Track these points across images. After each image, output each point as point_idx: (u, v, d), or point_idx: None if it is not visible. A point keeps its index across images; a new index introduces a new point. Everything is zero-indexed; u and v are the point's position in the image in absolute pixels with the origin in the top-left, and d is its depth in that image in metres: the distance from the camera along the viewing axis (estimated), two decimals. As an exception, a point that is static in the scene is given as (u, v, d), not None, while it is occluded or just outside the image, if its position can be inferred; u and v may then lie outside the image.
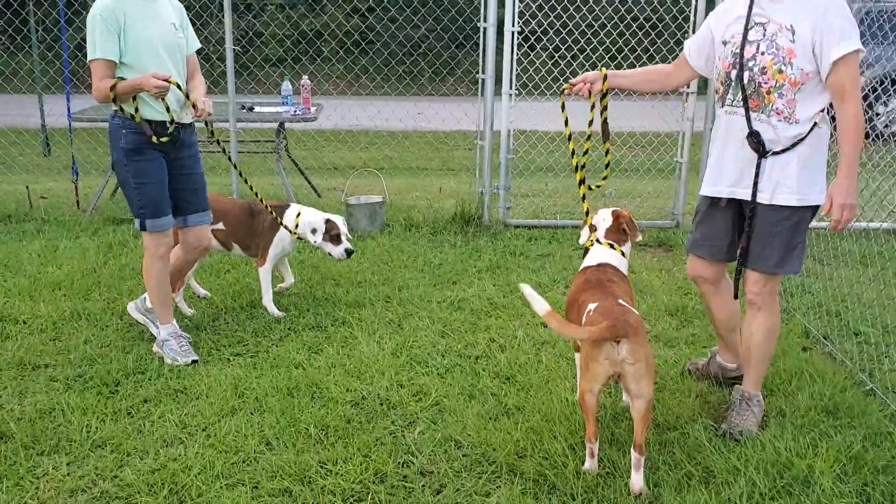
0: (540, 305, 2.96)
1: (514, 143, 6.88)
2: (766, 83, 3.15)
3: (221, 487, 3.01)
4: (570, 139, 3.57)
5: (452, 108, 8.62)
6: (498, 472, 3.13)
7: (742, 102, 3.20)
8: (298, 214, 4.75)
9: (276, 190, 7.69)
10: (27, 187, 7.35)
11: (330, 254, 4.74)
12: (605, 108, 3.50)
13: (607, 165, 3.54)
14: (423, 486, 3.06)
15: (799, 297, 5.06)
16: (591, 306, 3.09)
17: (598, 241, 3.54)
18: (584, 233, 3.62)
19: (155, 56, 3.83)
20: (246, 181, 4.67)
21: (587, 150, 3.49)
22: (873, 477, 3.04)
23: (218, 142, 4.45)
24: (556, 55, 7.13)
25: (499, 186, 6.83)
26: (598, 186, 3.57)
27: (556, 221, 6.93)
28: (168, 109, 3.88)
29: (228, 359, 4.17)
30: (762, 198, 3.24)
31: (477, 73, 6.65)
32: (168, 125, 3.92)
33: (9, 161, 8.51)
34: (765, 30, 3.18)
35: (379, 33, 10.06)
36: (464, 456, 3.27)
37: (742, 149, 3.24)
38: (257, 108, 7.52)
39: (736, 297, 3.55)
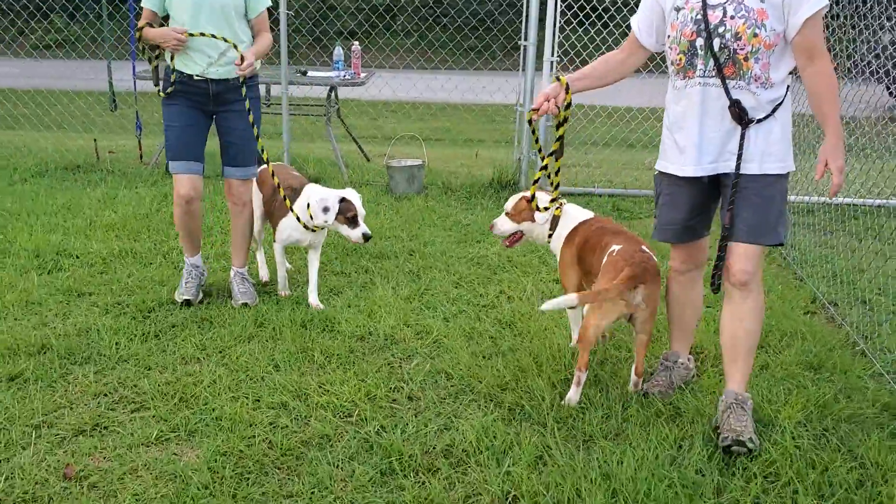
0: (567, 300, 3.22)
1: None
2: (741, 49, 2.91)
3: (226, 399, 3.33)
4: (543, 163, 3.44)
5: (500, 82, 8.79)
6: (478, 401, 3.36)
7: (716, 71, 2.95)
8: (308, 205, 4.23)
9: (327, 153, 8.02)
10: (95, 140, 7.88)
11: (346, 236, 4.22)
12: (565, 121, 3.21)
13: (556, 186, 3.50)
14: (408, 408, 3.31)
15: (815, 266, 5.10)
16: (615, 248, 3.35)
17: (564, 203, 3.74)
18: (540, 216, 3.72)
19: (191, 14, 4.06)
20: (262, 150, 4.39)
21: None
22: (835, 424, 3.15)
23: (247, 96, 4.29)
24: (599, 23, 7.21)
25: (536, 153, 6.99)
26: (550, 203, 3.64)
27: (592, 189, 7.06)
28: (173, 61, 4.12)
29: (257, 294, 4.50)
30: (750, 168, 2.99)
31: (519, 39, 6.82)
32: (195, 77, 4.14)
33: (80, 117, 9.10)
34: None
35: (432, 8, 10.24)
36: (451, 386, 3.51)
37: (721, 121, 3.00)
38: (310, 73, 7.83)
39: (717, 289, 3.14)
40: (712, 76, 2.97)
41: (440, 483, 2.77)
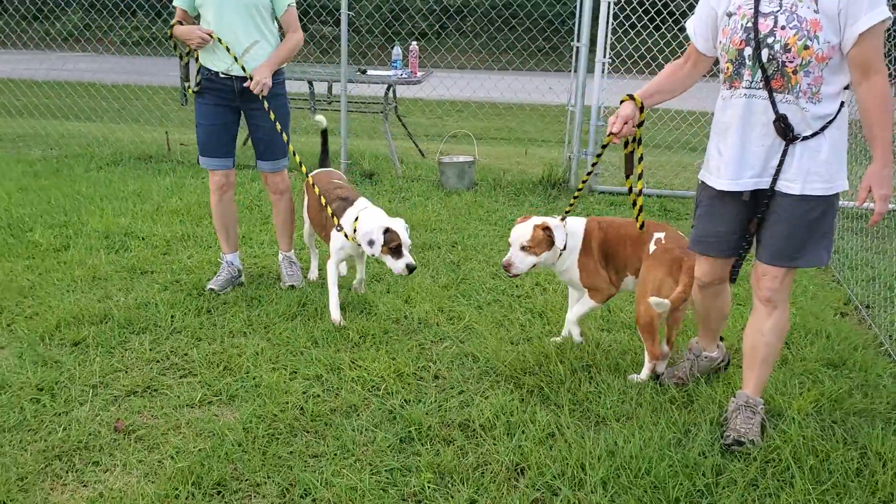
0: (666, 303, 3.28)
1: (605, 112, 7.14)
2: (790, 62, 2.73)
3: (266, 369, 3.59)
4: (632, 188, 3.29)
5: (553, 82, 8.93)
6: (500, 382, 3.54)
7: (763, 83, 2.79)
8: (356, 219, 4.09)
9: (382, 148, 8.29)
10: (167, 133, 8.32)
11: (390, 268, 4.01)
12: (636, 140, 3.16)
13: (639, 209, 3.40)
14: (433, 385, 3.52)
15: (856, 270, 5.11)
16: (659, 234, 3.51)
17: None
18: (560, 237, 3.61)
19: (216, 12, 4.15)
20: (294, 153, 4.31)
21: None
22: (844, 417, 3.23)
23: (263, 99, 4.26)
24: (651, 26, 7.28)
25: (587, 153, 7.13)
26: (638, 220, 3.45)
27: (643, 190, 7.13)
28: (197, 59, 4.26)
29: (305, 277, 4.77)
30: (792, 188, 2.84)
31: (572, 40, 6.96)
32: (220, 74, 4.25)
33: (156, 111, 9.61)
34: None
35: (487, 9, 10.45)
36: (476, 367, 3.70)
37: (766, 135, 2.83)
38: (370, 72, 8.12)
39: (733, 281, 3.22)
40: (759, 88, 2.82)
41: (453, 452, 2.97)
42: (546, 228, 3.59)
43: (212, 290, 4.48)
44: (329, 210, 4.21)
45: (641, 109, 3.06)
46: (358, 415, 3.25)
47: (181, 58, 4.51)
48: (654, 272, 3.44)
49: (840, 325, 4.20)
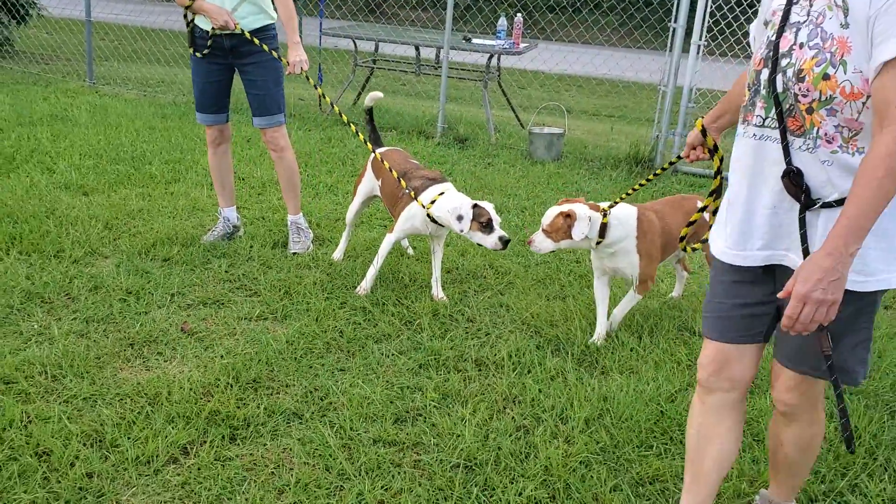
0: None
1: (696, 94, 7.21)
2: (804, 95, 1.95)
3: (321, 297, 4.05)
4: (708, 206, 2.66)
5: (647, 60, 8.97)
6: (523, 330, 3.87)
7: (777, 121, 2.01)
8: (441, 193, 4.02)
9: (477, 116, 8.64)
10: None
11: (480, 244, 3.91)
12: (721, 159, 2.53)
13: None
14: (463, 327, 3.88)
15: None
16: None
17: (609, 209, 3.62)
18: (578, 232, 3.54)
19: None
20: (357, 133, 4.51)
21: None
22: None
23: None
24: (750, 11, 7.26)
25: (675, 133, 7.23)
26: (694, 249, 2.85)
27: (727, 174, 7.17)
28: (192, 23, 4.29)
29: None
30: None
31: (670, 21, 7.05)
32: (211, 32, 4.30)
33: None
34: (811, 5, 1.97)
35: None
36: (507, 315, 4.03)
37: (779, 192, 2.04)
38: (474, 41, 8.45)
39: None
40: (773, 128, 2.04)
41: (460, 379, 3.34)
42: (568, 216, 3.54)
43: (202, 243, 4.62)
44: (403, 183, 4.12)
45: (704, 133, 2.49)
46: (389, 342, 3.66)
47: (185, 18, 4.41)
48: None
49: (879, 316, 4.25)
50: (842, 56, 1.88)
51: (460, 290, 4.32)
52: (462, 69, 9.25)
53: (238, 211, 5.27)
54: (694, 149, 2.59)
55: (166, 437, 2.81)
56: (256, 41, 4.29)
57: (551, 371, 3.45)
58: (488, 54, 8.18)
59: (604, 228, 3.59)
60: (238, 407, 3.03)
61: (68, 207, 5.01)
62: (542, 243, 3.63)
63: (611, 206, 3.58)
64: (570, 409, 3.15)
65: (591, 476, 2.77)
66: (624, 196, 3.37)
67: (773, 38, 2.03)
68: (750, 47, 2.28)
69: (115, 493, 2.55)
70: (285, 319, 3.82)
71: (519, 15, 8.37)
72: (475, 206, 3.90)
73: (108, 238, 4.62)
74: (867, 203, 1.79)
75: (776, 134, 2.02)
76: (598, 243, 3.63)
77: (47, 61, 11.16)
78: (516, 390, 3.29)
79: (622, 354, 3.64)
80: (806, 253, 1.99)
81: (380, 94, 4.75)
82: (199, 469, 2.68)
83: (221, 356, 3.41)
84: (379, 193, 4.44)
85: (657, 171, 2.98)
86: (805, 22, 1.96)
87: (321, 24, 8.60)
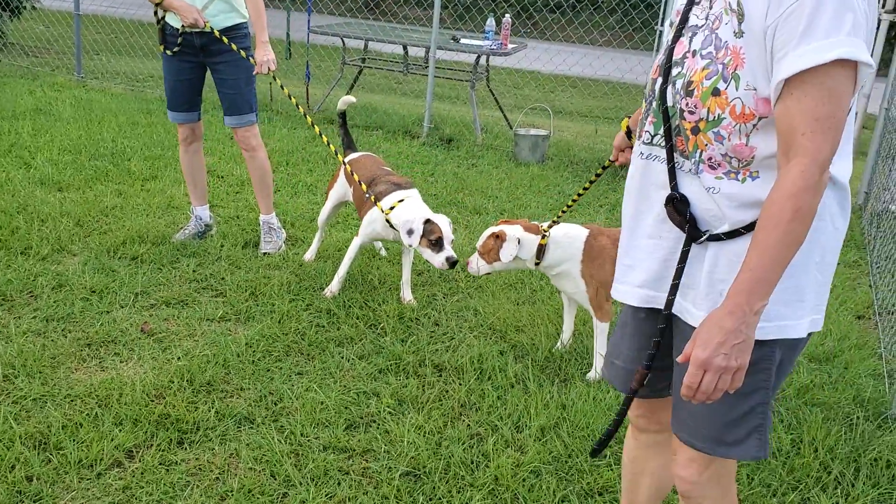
0: None
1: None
2: (691, 112, 1.66)
3: (286, 299, 4.03)
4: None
5: (636, 60, 8.94)
6: (488, 335, 3.84)
7: (665, 139, 1.74)
8: (401, 201, 3.96)
9: (464, 115, 8.61)
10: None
11: (430, 261, 3.85)
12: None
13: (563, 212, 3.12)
14: (429, 330, 3.85)
15: (885, 276, 5.04)
16: None
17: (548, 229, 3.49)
18: (506, 254, 3.45)
19: None
20: (328, 143, 4.32)
21: None
22: (800, 406, 3.34)
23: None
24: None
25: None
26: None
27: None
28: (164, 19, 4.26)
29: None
30: (697, 316, 1.74)
31: (657, 24, 7.02)
32: (180, 30, 4.28)
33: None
34: (710, 7, 1.69)
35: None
36: (474, 319, 4.00)
37: (663, 222, 1.79)
38: (462, 41, 8.41)
39: (595, 454, 2.01)
40: (661, 146, 1.76)
41: (418, 384, 3.31)
42: (498, 237, 3.46)
43: (173, 241, 4.60)
44: (364, 187, 4.06)
45: (629, 135, 2.26)
46: (351, 346, 3.63)
47: (156, 15, 4.39)
48: None
49: (849, 325, 4.23)
50: (734, 69, 1.59)
51: (429, 292, 4.29)
52: (449, 69, 9.21)
53: (213, 209, 5.25)
54: (622, 151, 2.32)
55: (112, 440, 2.78)
56: (226, 40, 4.27)
57: (511, 378, 3.42)
58: (476, 55, 8.14)
59: (542, 250, 3.47)
60: (189, 410, 3.00)
61: (41, 203, 4.99)
62: (477, 264, 3.55)
63: (549, 227, 3.44)
64: (526, 417, 3.12)
65: (541, 486, 2.75)
66: (561, 213, 3.19)
67: (670, 42, 1.76)
68: None
69: (53, 497, 2.53)
70: (248, 321, 3.80)
71: (507, 16, 8.33)
72: (427, 221, 3.81)
73: (78, 235, 4.59)
74: (772, 252, 1.51)
75: (664, 154, 1.74)
76: (536, 264, 3.49)
77: (37, 54, 11.13)
78: (475, 397, 3.26)
79: (587, 362, 3.61)
80: (675, 289, 1.75)
81: (352, 99, 4.72)
82: (142, 473, 2.66)
83: (178, 358, 3.38)
84: (351, 199, 4.42)
85: (592, 179, 2.77)
86: (702, 26, 1.68)
87: (309, 21, 8.57)
